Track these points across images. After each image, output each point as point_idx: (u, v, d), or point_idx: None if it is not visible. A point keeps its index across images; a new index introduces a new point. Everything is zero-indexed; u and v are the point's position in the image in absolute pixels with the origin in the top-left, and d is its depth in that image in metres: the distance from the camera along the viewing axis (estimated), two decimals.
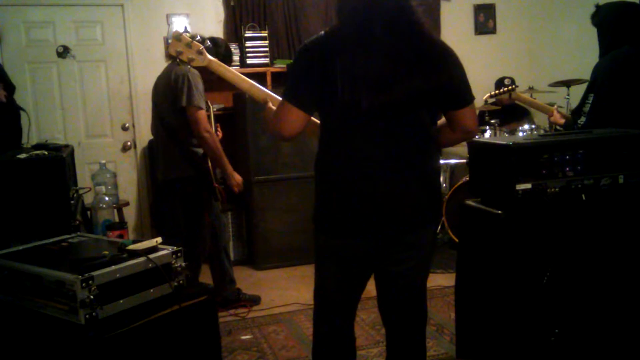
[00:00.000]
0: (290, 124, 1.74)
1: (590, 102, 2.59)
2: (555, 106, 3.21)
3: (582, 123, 2.61)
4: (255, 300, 3.69)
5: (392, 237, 1.78)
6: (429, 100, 1.73)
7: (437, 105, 1.78)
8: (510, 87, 3.41)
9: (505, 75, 5.23)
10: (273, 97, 2.03)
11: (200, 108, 3.12)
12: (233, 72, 2.12)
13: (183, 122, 3.16)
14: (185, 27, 2.14)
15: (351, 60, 1.64)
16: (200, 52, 2.03)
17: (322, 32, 1.75)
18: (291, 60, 4.33)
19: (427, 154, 1.79)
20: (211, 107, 3.37)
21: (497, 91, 3.66)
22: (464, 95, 1.76)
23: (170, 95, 3.16)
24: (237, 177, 3.38)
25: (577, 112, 2.68)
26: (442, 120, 1.87)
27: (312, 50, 1.72)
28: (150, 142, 4.80)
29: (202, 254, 3.39)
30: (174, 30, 2.03)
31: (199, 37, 2.05)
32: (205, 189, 3.31)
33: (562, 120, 3.03)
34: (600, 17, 2.71)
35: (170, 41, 2.08)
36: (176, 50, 2.02)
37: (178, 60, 2.10)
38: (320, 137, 1.84)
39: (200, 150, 3.26)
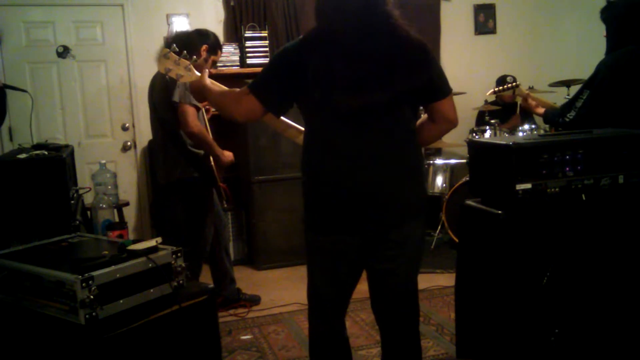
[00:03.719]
0: (247, 112, 1.82)
1: (584, 98, 2.58)
2: (528, 92, 3.12)
3: (571, 117, 2.60)
4: (255, 300, 3.69)
5: (378, 233, 1.80)
6: (409, 97, 1.76)
7: (418, 100, 1.82)
8: (514, 84, 3.39)
9: (511, 75, 5.22)
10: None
11: (191, 105, 3.11)
12: (219, 87, 2.11)
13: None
14: (174, 46, 2.14)
15: (327, 62, 1.67)
16: (188, 69, 2.05)
17: (300, 36, 1.79)
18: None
19: (409, 150, 1.82)
20: (203, 109, 3.37)
21: (500, 87, 3.63)
22: (442, 87, 1.81)
23: (167, 95, 3.16)
24: (226, 154, 3.35)
25: (567, 106, 2.67)
26: (420, 119, 1.90)
27: (288, 53, 1.77)
28: (150, 142, 4.80)
29: (204, 254, 3.38)
30: (162, 47, 2.04)
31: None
32: (210, 188, 3.31)
33: (541, 110, 2.97)
34: (607, 14, 2.71)
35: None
36: (165, 67, 2.04)
37: (167, 77, 2.11)
38: (304, 138, 1.87)
39: (202, 151, 3.26)
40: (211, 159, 3.29)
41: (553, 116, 2.78)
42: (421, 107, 1.89)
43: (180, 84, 3.08)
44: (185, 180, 3.25)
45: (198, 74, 2.09)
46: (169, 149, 3.26)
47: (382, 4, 1.72)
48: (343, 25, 1.69)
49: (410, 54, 1.71)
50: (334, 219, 1.79)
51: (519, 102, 4.88)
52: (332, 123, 1.75)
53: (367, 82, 1.67)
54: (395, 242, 1.80)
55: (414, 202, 1.82)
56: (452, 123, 1.87)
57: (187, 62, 2.04)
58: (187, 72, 2.05)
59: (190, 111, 3.11)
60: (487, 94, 4.00)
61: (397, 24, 1.73)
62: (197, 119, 3.15)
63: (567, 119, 2.60)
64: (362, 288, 1.96)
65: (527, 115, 5.19)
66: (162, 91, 3.22)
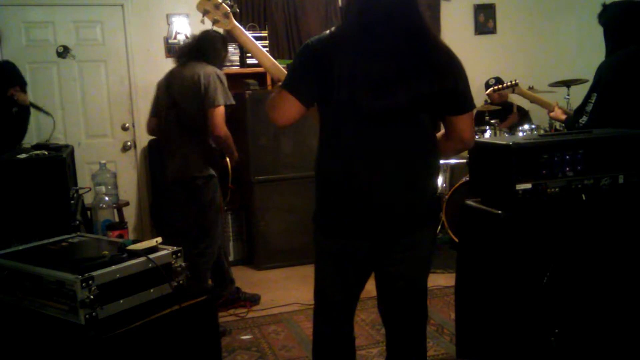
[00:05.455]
0: (285, 112, 1.75)
1: (593, 101, 2.59)
2: (556, 101, 3.20)
3: (584, 122, 2.61)
4: (255, 300, 3.69)
5: (389, 238, 1.78)
6: (432, 104, 1.72)
7: (438, 110, 1.77)
8: (513, 82, 3.39)
9: (495, 76, 5.23)
10: None
11: (224, 107, 3.16)
12: (254, 44, 2.08)
13: (205, 121, 3.17)
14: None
15: (353, 61, 1.64)
16: (226, 16, 2.01)
17: (327, 32, 1.74)
18: (291, 61, 4.39)
19: (426, 157, 1.78)
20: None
21: (500, 85, 3.63)
22: (466, 101, 1.76)
23: (196, 95, 3.13)
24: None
25: (579, 111, 2.68)
26: (439, 133, 1.87)
27: (314, 48, 1.72)
28: (150, 142, 4.80)
29: (214, 255, 3.32)
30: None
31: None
32: (222, 187, 3.34)
33: (564, 117, 3.01)
34: (606, 16, 2.71)
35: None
36: (204, 8, 2.01)
37: (202, 19, 2.08)
38: (319, 137, 1.83)
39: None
40: (227, 159, 3.32)
41: (569, 123, 2.80)
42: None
43: (219, 85, 3.10)
44: (201, 178, 3.22)
45: (235, 23, 2.05)
46: (185, 145, 3.22)
47: (414, 4, 1.69)
48: (371, 23, 1.65)
49: (437, 60, 1.68)
50: (345, 223, 1.76)
51: (525, 107, 4.89)
52: (349, 125, 1.72)
53: (391, 84, 1.64)
54: (405, 245, 1.79)
55: (425, 209, 1.79)
56: (466, 143, 1.83)
57: (227, 9, 2.01)
58: (224, 19, 2.02)
59: (223, 115, 3.15)
60: (487, 92, 4.01)
61: (428, 27, 1.70)
62: (224, 123, 3.17)
63: (581, 124, 2.62)
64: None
65: (523, 114, 5.20)
66: (188, 92, 3.17)
